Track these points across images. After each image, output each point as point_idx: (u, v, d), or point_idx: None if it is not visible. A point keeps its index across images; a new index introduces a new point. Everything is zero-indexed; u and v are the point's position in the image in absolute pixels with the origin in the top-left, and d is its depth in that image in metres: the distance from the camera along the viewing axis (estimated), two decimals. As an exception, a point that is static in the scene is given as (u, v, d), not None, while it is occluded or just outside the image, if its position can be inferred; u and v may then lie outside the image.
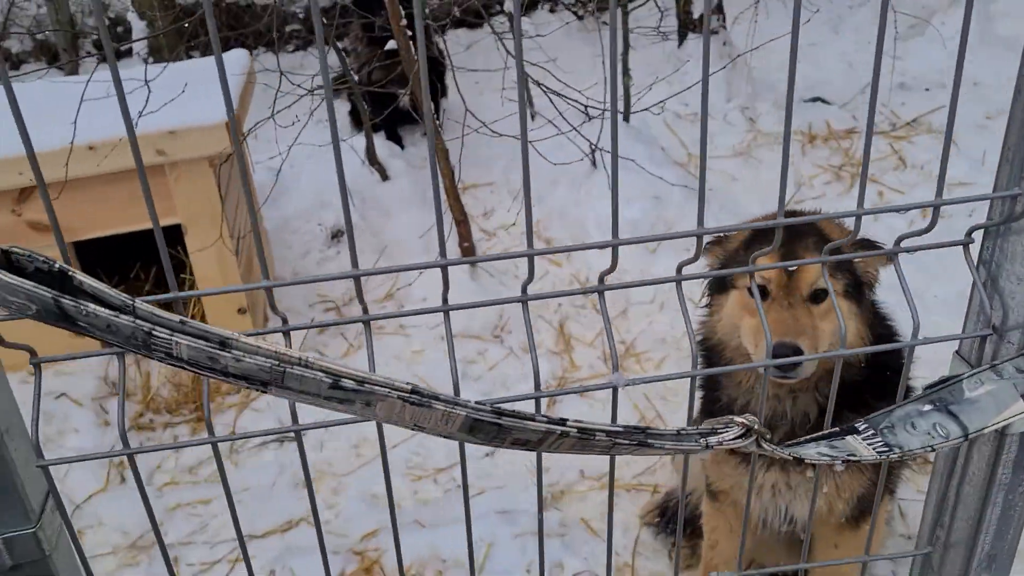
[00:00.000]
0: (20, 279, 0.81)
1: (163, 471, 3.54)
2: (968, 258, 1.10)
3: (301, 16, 7.26)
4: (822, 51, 6.95)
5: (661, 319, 4.23)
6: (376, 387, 0.86)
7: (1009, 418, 1.01)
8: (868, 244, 2.21)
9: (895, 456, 1.03)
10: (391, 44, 3.98)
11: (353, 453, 3.58)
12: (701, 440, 0.96)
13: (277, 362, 0.83)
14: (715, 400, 2.28)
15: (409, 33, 3.90)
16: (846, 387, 2.13)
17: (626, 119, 5.54)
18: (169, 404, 3.80)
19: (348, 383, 0.85)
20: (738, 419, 0.99)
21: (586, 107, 4.93)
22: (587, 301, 4.29)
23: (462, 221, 4.31)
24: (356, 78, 5.30)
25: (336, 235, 5.22)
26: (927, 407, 1.03)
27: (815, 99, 6.23)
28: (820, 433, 1.08)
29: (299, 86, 4.54)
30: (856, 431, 1.06)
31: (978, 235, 1.10)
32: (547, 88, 4.78)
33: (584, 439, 0.90)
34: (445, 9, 7.65)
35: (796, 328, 1.99)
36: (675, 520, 2.91)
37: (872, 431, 1.05)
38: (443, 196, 4.47)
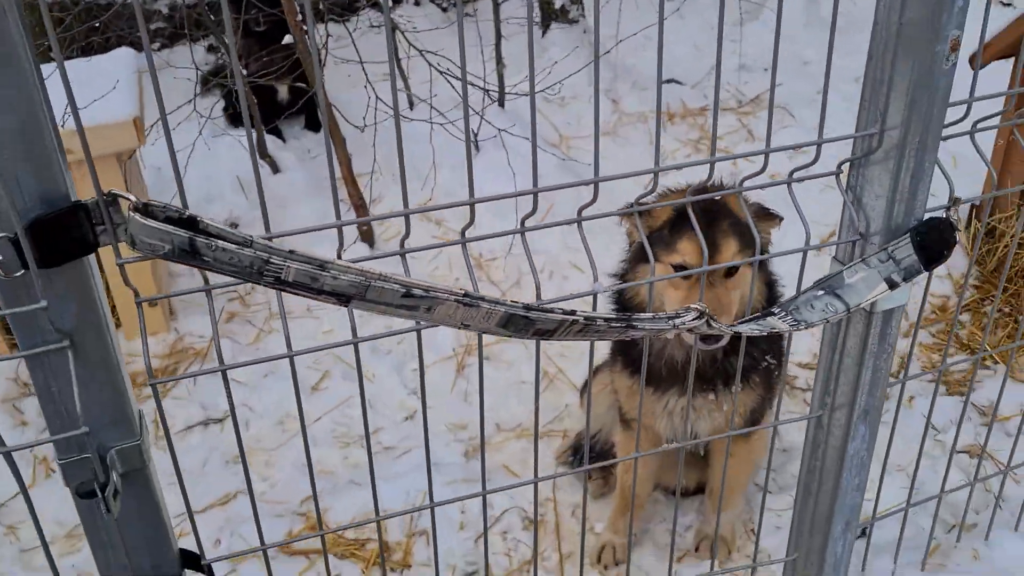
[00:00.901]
0: (160, 223, 1.05)
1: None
2: (839, 184, 1.48)
3: (165, 13, 7.20)
4: (671, 36, 7.47)
5: (549, 287, 4.58)
6: (438, 293, 1.13)
7: (877, 295, 1.39)
8: (763, 211, 2.58)
9: (803, 328, 1.40)
10: (288, 39, 4.13)
11: (279, 429, 3.76)
12: (670, 322, 1.29)
13: (364, 278, 1.09)
14: (631, 341, 2.63)
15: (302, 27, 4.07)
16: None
17: (501, 104, 5.87)
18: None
19: (417, 291, 1.12)
20: (694, 306, 1.32)
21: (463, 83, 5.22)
22: (485, 270, 4.61)
23: (360, 206, 4.53)
24: (244, 72, 5.37)
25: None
26: (820, 292, 1.40)
27: (669, 80, 6.74)
28: (748, 317, 1.42)
29: (188, 79, 4.63)
30: (773, 314, 1.41)
31: (846, 167, 1.49)
32: (441, 72, 5.04)
33: (588, 325, 1.21)
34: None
35: (719, 308, 2.30)
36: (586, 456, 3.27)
37: (785, 312, 1.41)
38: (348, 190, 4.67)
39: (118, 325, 4.07)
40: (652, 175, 1.39)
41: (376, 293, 1.11)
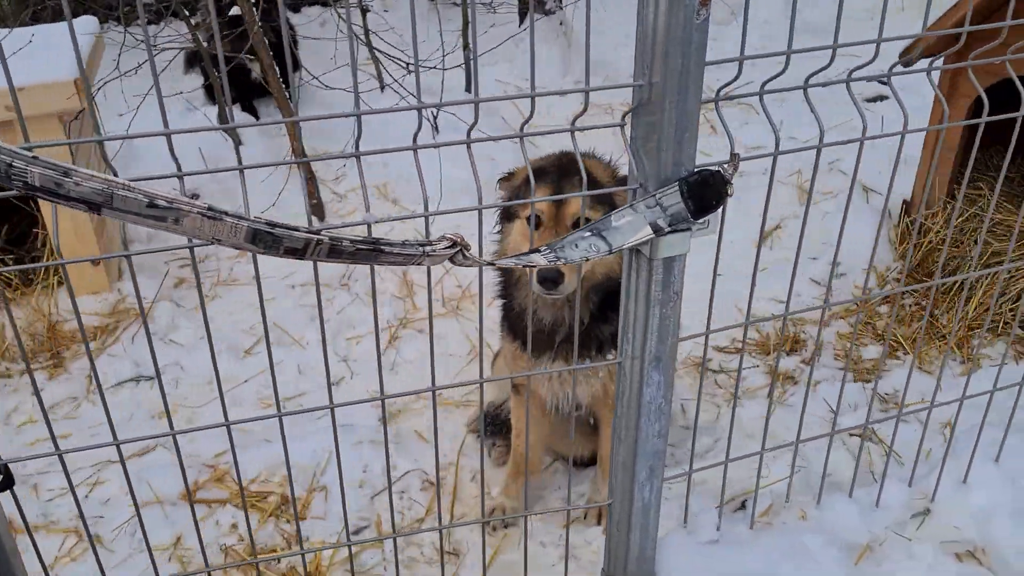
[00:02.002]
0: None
1: (20, 412, 3.73)
2: (624, 136, 1.56)
3: (153, -10, 7.33)
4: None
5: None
6: (181, 205, 1.22)
7: (641, 238, 1.47)
8: (622, 180, 2.69)
9: (561, 262, 1.47)
10: (235, 10, 4.24)
11: (207, 389, 3.87)
12: (420, 249, 1.37)
13: (107, 186, 1.19)
14: (511, 308, 2.72)
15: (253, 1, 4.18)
16: (610, 294, 2.63)
17: (467, 90, 5.96)
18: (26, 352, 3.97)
19: (161, 202, 1.21)
20: (448, 235, 1.40)
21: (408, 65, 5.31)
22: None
23: (310, 179, 4.63)
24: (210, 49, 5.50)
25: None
26: (587, 234, 1.48)
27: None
28: (513, 255, 1.50)
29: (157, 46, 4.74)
30: (538, 251, 1.49)
31: (629, 118, 1.56)
32: (394, 58, 5.14)
33: (335, 245, 1.29)
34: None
35: None
36: (493, 425, 3.36)
37: (551, 251, 1.49)
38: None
39: (60, 284, 4.20)
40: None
41: (121, 202, 1.20)
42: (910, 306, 3.87)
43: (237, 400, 3.81)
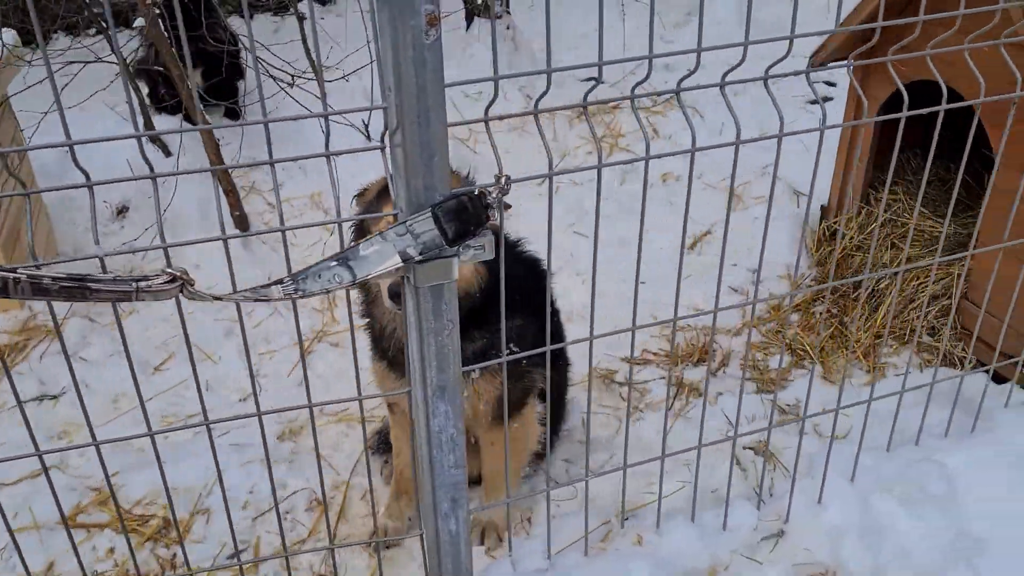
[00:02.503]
0: None
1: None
2: (384, 160, 1.50)
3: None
4: (606, 35, 7.47)
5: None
6: None
7: (388, 267, 1.41)
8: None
9: (299, 296, 1.42)
10: (138, 22, 4.19)
11: (112, 407, 3.82)
12: (134, 284, 1.31)
13: None
14: (373, 327, 2.67)
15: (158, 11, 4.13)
16: (472, 312, 2.57)
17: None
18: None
19: None
20: (168, 270, 1.35)
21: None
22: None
23: (230, 191, 4.58)
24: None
25: (121, 211, 5.40)
26: (334, 263, 1.42)
27: (590, 79, 6.73)
28: (250, 289, 1.44)
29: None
30: (281, 282, 1.44)
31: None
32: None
33: (36, 283, 1.24)
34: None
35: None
36: (387, 443, 3.30)
37: (292, 283, 1.44)
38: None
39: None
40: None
41: None
42: (821, 314, 3.80)
43: (139, 419, 3.75)
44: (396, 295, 2.29)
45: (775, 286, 4.05)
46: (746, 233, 4.57)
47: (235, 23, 7.92)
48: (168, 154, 5.33)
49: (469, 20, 6.90)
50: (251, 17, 7.93)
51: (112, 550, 3.02)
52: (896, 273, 3.53)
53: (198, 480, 3.28)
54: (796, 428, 3.25)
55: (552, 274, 3.25)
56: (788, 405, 3.42)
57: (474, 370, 2.61)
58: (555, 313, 3.15)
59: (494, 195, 1.49)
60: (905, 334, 3.57)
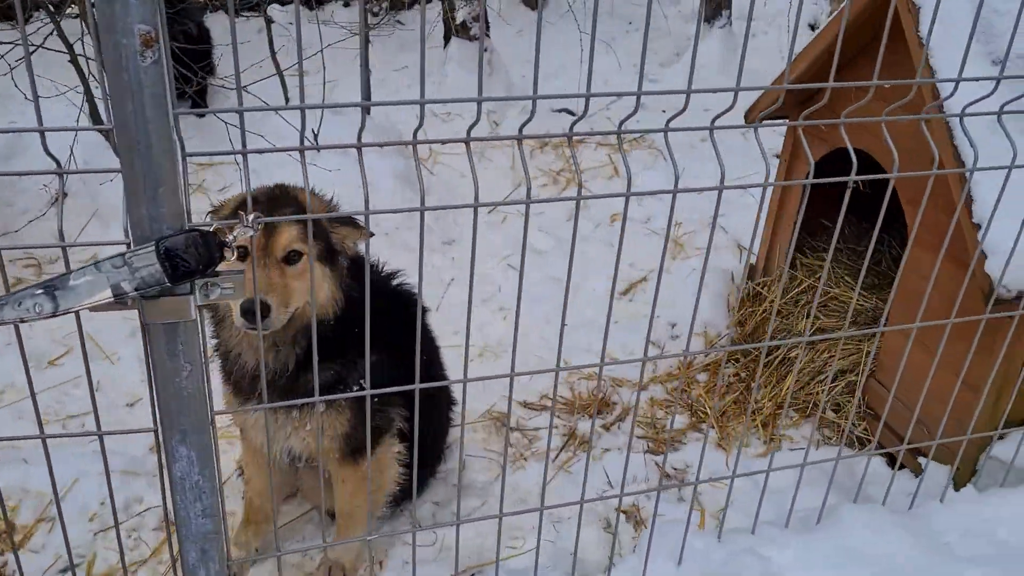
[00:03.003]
0: None
1: None
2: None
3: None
4: (582, 65, 7.42)
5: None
6: None
7: (97, 301, 1.31)
8: (348, 219, 2.54)
9: (-16, 324, 1.31)
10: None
11: (-4, 398, 3.71)
12: None
13: None
14: (218, 348, 2.56)
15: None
16: (322, 340, 2.45)
17: (367, 111, 5.82)
18: None
19: None
20: None
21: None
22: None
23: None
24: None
25: (57, 199, 5.32)
26: (39, 291, 1.32)
27: (563, 110, 6.66)
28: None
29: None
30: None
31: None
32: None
33: None
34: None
35: (266, 285, 2.27)
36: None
37: (-8, 307, 1.33)
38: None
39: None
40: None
41: None
42: (729, 376, 3.68)
43: (25, 412, 3.64)
44: (249, 312, 2.18)
45: (691, 342, 3.93)
46: (679, 284, 4.46)
47: (219, 19, 7.89)
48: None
49: (447, 39, 6.83)
50: (236, 14, 7.92)
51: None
52: (801, 343, 3.42)
53: (58, 485, 3.16)
54: (677, 494, 3.13)
55: (428, 310, 3.15)
56: (675, 468, 3.29)
57: (315, 403, 2.50)
58: (432, 351, 3.04)
59: (234, 234, 1.38)
60: (808, 407, 3.44)
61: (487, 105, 6.49)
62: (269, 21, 5.80)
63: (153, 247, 1.31)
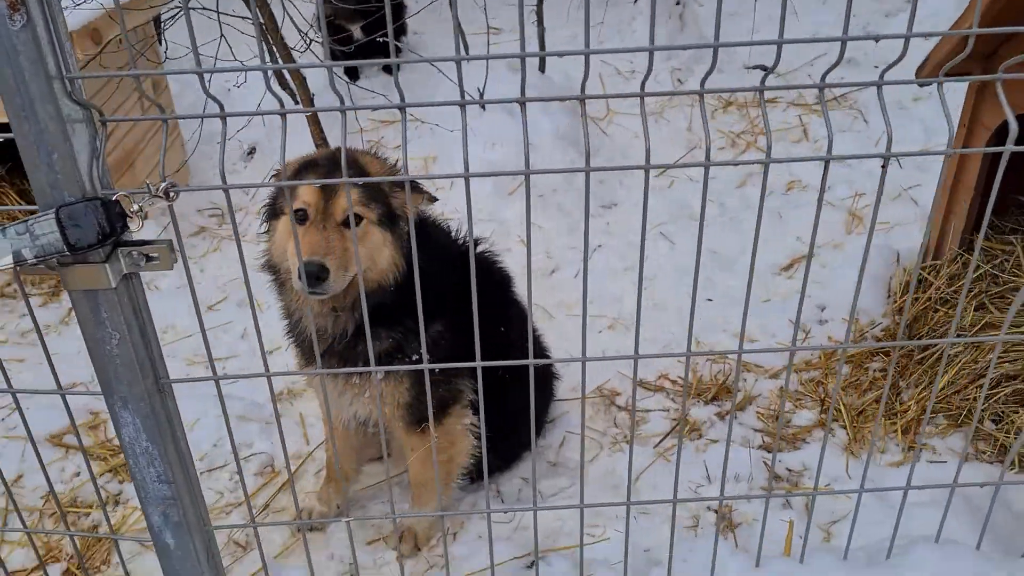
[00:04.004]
0: None
1: (4, 331, 4.10)
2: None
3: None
4: (797, 20, 6.81)
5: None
6: None
7: (3, 265, 1.31)
8: (411, 184, 2.45)
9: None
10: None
11: (160, 337, 4.04)
12: None
13: None
14: (283, 309, 2.59)
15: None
16: (381, 307, 2.42)
17: (541, 69, 5.70)
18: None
19: None
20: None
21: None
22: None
23: (320, 145, 4.67)
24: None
25: (250, 152, 5.68)
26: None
27: (757, 67, 6.17)
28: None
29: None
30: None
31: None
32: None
33: None
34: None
35: (325, 248, 2.25)
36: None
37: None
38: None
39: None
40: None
41: None
42: (875, 372, 3.24)
43: (174, 352, 3.95)
44: (309, 275, 2.18)
45: (838, 329, 3.50)
46: (842, 262, 3.99)
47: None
48: (296, 102, 5.50)
49: (638, -8, 6.52)
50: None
51: (78, 474, 3.20)
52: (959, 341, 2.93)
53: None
54: (786, 499, 2.81)
55: (511, 279, 3.00)
56: (789, 470, 2.95)
57: (378, 372, 2.47)
58: (520, 322, 2.91)
59: (139, 203, 1.34)
60: (961, 415, 2.95)
61: (673, 62, 6.14)
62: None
63: (53, 214, 1.30)
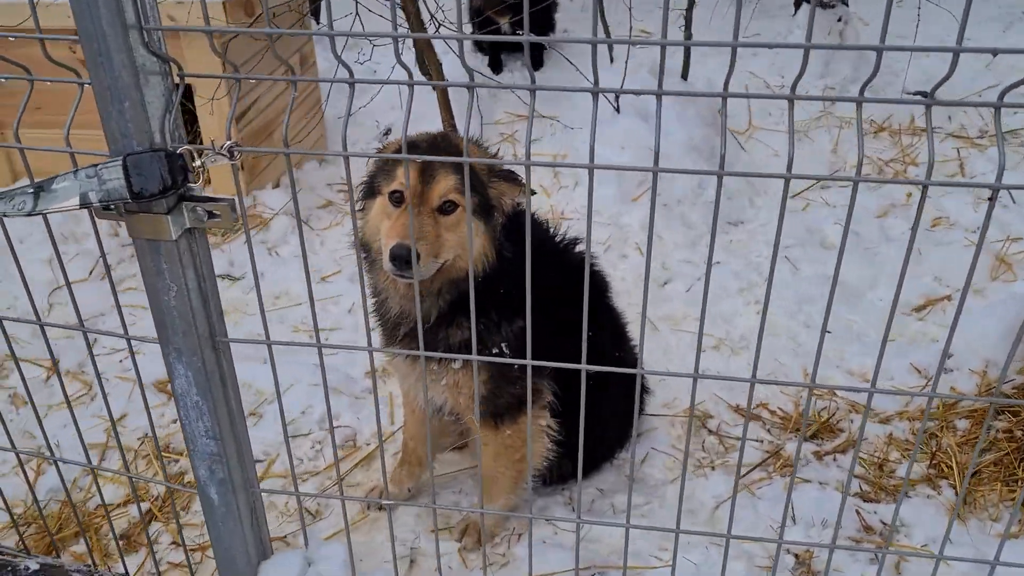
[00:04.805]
0: None
1: (134, 279, 4.33)
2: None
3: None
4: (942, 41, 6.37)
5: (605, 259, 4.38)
6: None
7: (66, 207, 1.34)
8: (508, 173, 2.40)
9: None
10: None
11: (271, 302, 4.18)
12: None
13: None
14: (372, 287, 2.60)
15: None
16: (465, 296, 2.39)
17: (684, 76, 5.55)
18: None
19: None
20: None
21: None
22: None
23: (450, 131, 4.70)
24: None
25: (386, 132, 5.80)
26: (30, 190, 1.38)
27: (920, 92, 5.80)
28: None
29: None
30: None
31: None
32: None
33: None
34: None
35: (417, 232, 2.24)
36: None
37: (-4, 200, 1.41)
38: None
39: (209, 182, 4.74)
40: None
41: None
42: (998, 432, 2.96)
43: (284, 318, 4.06)
44: (397, 258, 2.18)
45: (962, 380, 3.22)
46: (981, 309, 3.68)
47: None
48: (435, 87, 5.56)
49: (797, 5, 6.25)
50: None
51: (174, 421, 3.33)
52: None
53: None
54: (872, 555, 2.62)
55: (608, 285, 2.90)
56: (884, 524, 2.74)
57: (452, 359, 2.44)
58: (615, 329, 2.82)
59: (202, 159, 1.34)
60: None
61: (827, 80, 5.85)
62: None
63: (120, 161, 1.32)
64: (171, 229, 1.39)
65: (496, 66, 6.62)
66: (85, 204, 1.35)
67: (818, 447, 3.04)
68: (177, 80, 1.36)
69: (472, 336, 2.42)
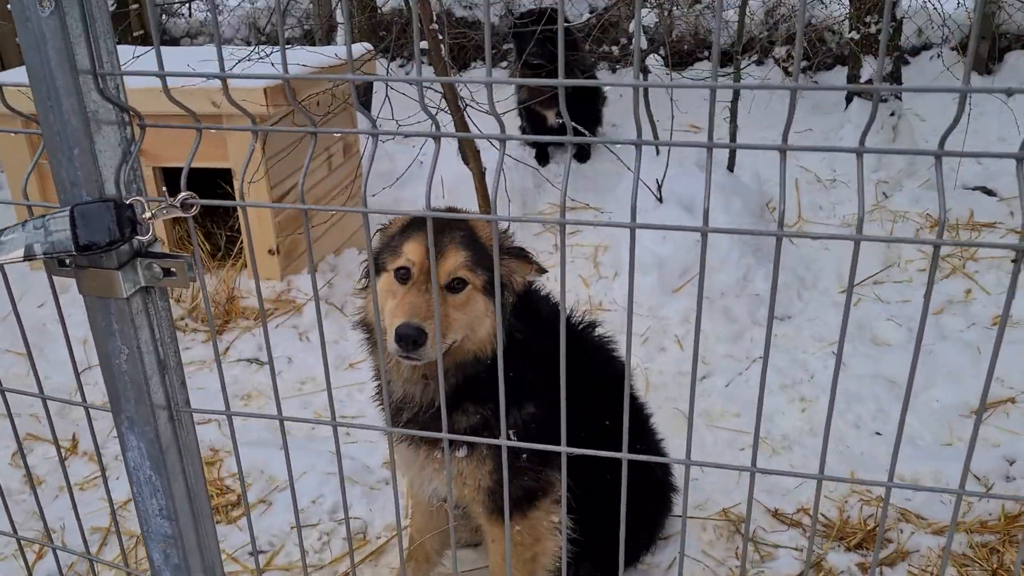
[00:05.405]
0: None
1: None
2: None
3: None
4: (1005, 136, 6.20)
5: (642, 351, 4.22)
6: None
7: (11, 259, 1.25)
8: (520, 252, 2.30)
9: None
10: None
11: (296, 386, 4.09)
12: None
13: None
14: (375, 369, 2.48)
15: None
16: (474, 380, 2.25)
17: (730, 168, 5.44)
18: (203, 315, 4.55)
19: None
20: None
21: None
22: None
23: (485, 210, 4.64)
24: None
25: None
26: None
27: (979, 188, 5.61)
28: None
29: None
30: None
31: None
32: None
33: None
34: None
35: (425, 311, 2.13)
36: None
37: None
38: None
39: (244, 266, 4.74)
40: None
41: None
42: None
43: (308, 403, 3.96)
44: (403, 339, 2.07)
45: (1025, 488, 2.94)
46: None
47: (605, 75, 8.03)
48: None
49: (849, 99, 6.15)
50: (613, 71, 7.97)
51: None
52: None
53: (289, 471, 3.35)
54: None
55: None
56: (937, 650, 2.44)
57: (448, 446, 2.29)
58: (634, 420, 2.63)
59: (152, 212, 1.25)
60: None
61: (880, 174, 5.69)
62: (645, 71, 5.72)
63: (68, 212, 1.24)
64: (122, 286, 1.30)
65: (543, 158, 6.62)
66: (30, 256, 1.28)
67: (863, 557, 2.77)
68: (139, 129, 1.30)
69: (498, 419, 2.29)
